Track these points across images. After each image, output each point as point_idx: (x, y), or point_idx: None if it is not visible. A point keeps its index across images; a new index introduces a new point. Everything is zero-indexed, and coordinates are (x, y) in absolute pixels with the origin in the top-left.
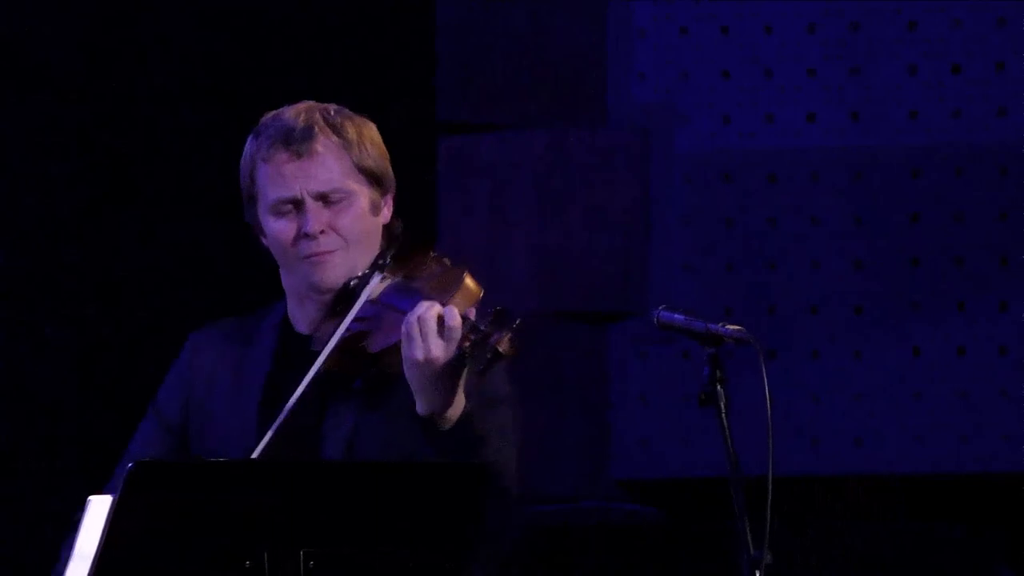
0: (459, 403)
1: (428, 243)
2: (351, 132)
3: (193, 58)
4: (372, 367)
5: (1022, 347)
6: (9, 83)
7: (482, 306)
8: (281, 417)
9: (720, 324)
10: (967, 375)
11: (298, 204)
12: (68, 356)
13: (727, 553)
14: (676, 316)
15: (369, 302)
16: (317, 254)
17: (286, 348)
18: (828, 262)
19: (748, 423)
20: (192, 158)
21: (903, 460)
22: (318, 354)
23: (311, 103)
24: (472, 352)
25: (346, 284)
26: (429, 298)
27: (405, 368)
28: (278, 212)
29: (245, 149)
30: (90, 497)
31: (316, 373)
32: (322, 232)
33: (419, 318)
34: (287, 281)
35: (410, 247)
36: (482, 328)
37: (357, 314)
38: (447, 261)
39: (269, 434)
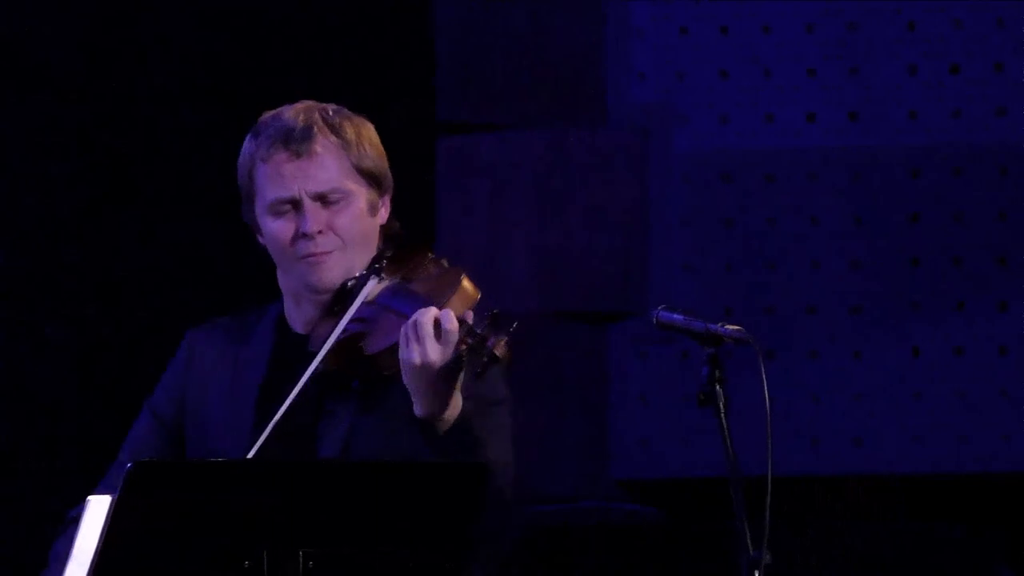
0: (456, 405)
1: (426, 244)
2: (350, 132)
3: (193, 58)
4: (369, 368)
5: (1021, 347)
6: (9, 83)
7: (479, 309)
8: (278, 416)
9: (719, 324)
10: (966, 375)
11: (296, 204)
12: (68, 356)
13: (727, 553)
14: (675, 316)
15: (366, 303)
16: (315, 254)
17: (283, 347)
18: (827, 262)
19: (747, 423)
20: (192, 158)
21: (903, 460)
22: (315, 354)
23: (310, 103)
24: (469, 355)
25: (343, 284)
26: (426, 300)
27: (403, 371)
28: (276, 212)
29: (243, 148)
30: (89, 497)
31: (313, 373)
32: (320, 232)
33: (416, 322)
34: (284, 281)
35: (408, 248)
36: (479, 332)
37: (354, 315)
38: (444, 263)
39: (265, 433)
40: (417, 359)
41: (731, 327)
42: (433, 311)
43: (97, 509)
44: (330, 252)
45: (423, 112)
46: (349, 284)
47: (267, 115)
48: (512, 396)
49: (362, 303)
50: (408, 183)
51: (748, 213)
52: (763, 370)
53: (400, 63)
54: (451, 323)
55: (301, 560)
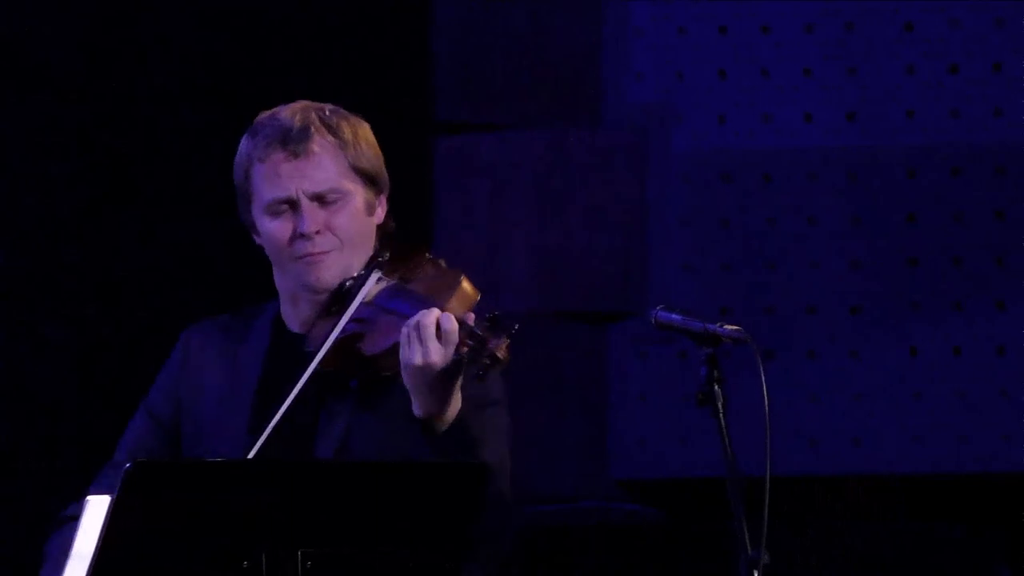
0: (456, 405)
1: (424, 245)
2: (347, 132)
3: (193, 58)
4: (368, 369)
5: (1020, 347)
6: (9, 83)
7: (479, 311)
8: (278, 416)
9: (718, 324)
10: (965, 375)
11: (294, 204)
12: (68, 356)
13: (726, 553)
14: (674, 316)
15: (364, 304)
16: (312, 254)
17: (279, 347)
18: (826, 262)
19: (746, 423)
20: (192, 158)
21: (902, 460)
22: (311, 353)
23: (306, 103)
24: (470, 357)
25: (341, 284)
26: (425, 301)
27: (403, 371)
28: (274, 212)
29: (240, 148)
30: (88, 496)
31: (311, 372)
32: (318, 232)
33: (419, 323)
34: (280, 280)
35: (406, 249)
36: (480, 333)
37: (353, 315)
38: (443, 263)
39: (266, 433)
40: (419, 359)
41: (730, 327)
42: (435, 311)
43: (96, 509)
44: (328, 252)
45: (422, 112)
46: (347, 284)
47: (263, 115)
48: (510, 396)
49: (361, 303)
50: (406, 183)
51: (747, 213)
52: (762, 370)
53: (399, 63)
54: (450, 324)
55: (300, 560)
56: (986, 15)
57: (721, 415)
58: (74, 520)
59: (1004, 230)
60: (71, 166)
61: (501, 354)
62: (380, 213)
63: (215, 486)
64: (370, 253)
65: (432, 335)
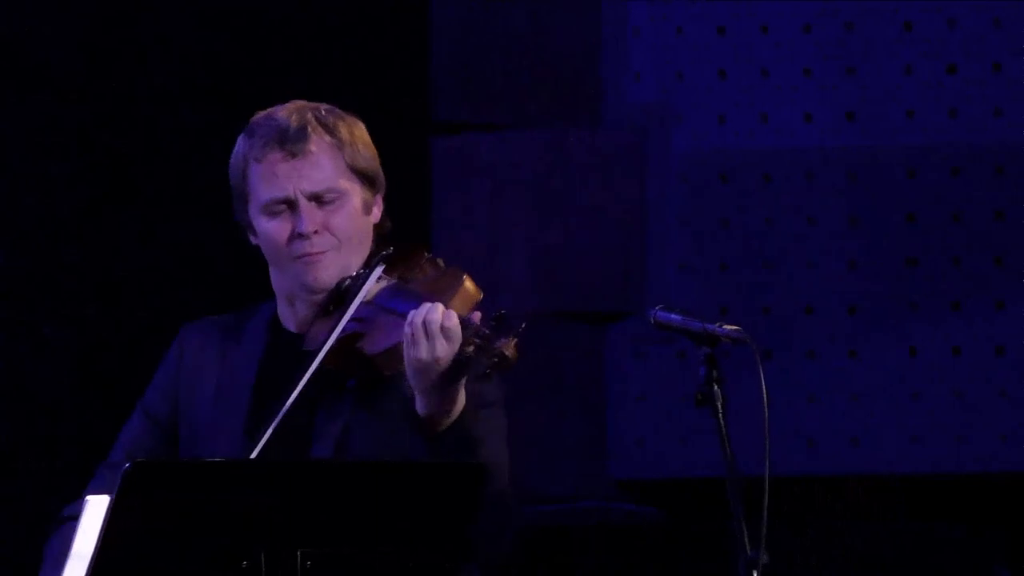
0: (460, 405)
1: (422, 244)
2: (344, 132)
3: (193, 58)
4: (368, 368)
5: (1019, 347)
6: (9, 83)
7: (484, 310)
8: (280, 415)
9: (717, 324)
10: (964, 375)
11: (292, 204)
12: (68, 356)
13: (726, 553)
14: (672, 316)
15: (364, 303)
16: (310, 254)
17: (275, 347)
18: (825, 262)
19: (745, 423)
20: (192, 158)
21: (901, 460)
22: (309, 353)
23: (301, 103)
24: (477, 356)
25: (339, 284)
26: (427, 300)
27: (408, 370)
28: (271, 212)
29: (236, 148)
30: (88, 497)
31: (312, 372)
32: (316, 232)
33: (425, 320)
34: (277, 280)
35: (405, 249)
36: (487, 332)
37: (353, 314)
38: (441, 263)
39: (268, 432)
40: (426, 356)
41: (729, 327)
42: (440, 306)
43: (95, 509)
44: (325, 252)
45: (421, 112)
46: (345, 283)
47: (259, 115)
48: (508, 396)
49: (361, 303)
50: (405, 183)
51: (746, 213)
52: (761, 370)
53: (398, 63)
54: (452, 320)
55: (299, 560)
56: (985, 15)
57: (720, 415)
58: (73, 520)
59: (1003, 230)
60: (71, 166)
61: (509, 353)
62: (377, 212)
63: (214, 486)
64: (367, 253)
65: (438, 331)
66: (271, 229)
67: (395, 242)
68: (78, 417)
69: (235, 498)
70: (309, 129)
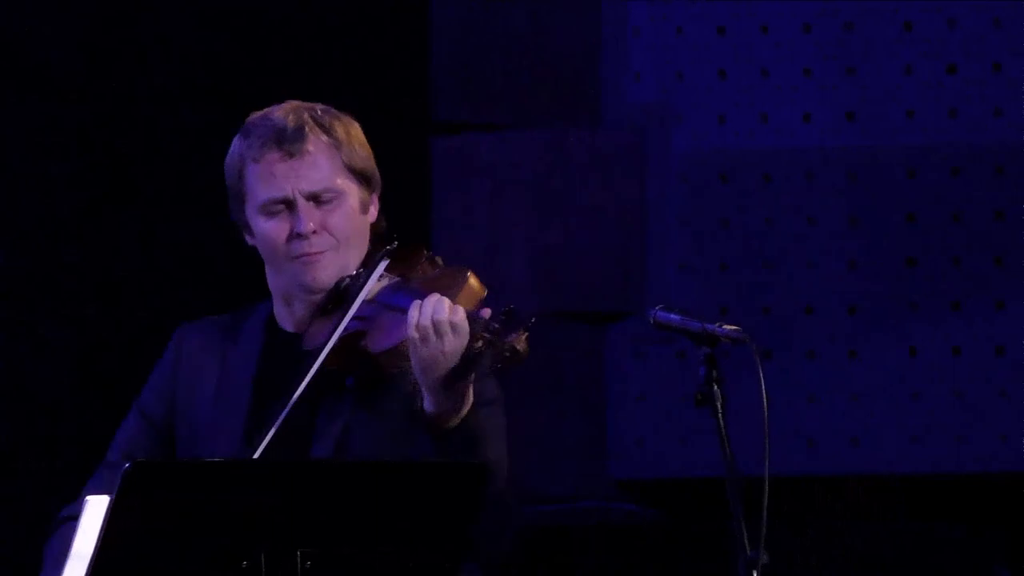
0: (468, 402)
1: (422, 243)
2: (340, 132)
3: (193, 58)
4: (371, 367)
5: (1019, 347)
6: (9, 83)
7: (491, 306)
8: (283, 415)
9: (717, 324)
10: (964, 375)
11: (289, 204)
12: (68, 356)
13: (726, 553)
14: (672, 316)
15: (366, 301)
16: (309, 254)
17: (273, 347)
18: (824, 262)
19: (745, 423)
20: (192, 158)
21: (901, 460)
22: (309, 353)
23: (297, 103)
24: (488, 351)
25: (338, 283)
26: (432, 296)
27: (416, 367)
28: (269, 212)
29: (232, 148)
30: (88, 497)
31: (315, 371)
32: (314, 232)
33: (432, 315)
34: (274, 281)
35: (404, 248)
36: (497, 327)
37: (356, 313)
38: (440, 261)
39: (271, 432)
40: (434, 352)
41: (728, 327)
42: (447, 302)
43: (95, 509)
44: (324, 252)
45: (421, 112)
46: (344, 283)
47: (255, 115)
48: (506, 396)
49: (363, 301)
50: (405, 183)
51: (746, 213)
52: (761, 370)
53: (398, 63)
54: (459, 315)
55: (299, 560)
56: (985, 15)
57: (720, 415)
58: (72, 520)
59: (1003, 230)
60: (71, 166)
61: (521, 347)
62: (373, 212)
63: (214, 486)
64: (364, 252)
65: (447, 326)
66: (269, 229)
67: (394, 242)
68: (78, 417)
69: (235, 498)
70: (306, 129)
